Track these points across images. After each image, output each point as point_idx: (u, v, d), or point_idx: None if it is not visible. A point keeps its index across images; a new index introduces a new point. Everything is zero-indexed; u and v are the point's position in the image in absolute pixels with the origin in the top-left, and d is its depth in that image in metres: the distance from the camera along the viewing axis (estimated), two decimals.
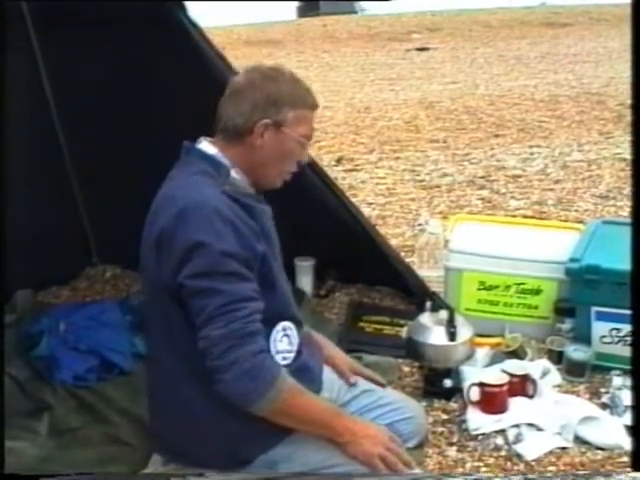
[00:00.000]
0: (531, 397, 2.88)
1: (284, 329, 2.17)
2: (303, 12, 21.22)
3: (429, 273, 3.79)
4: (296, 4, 21.78)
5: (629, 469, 2.52)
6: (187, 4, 2.85)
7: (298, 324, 2.25)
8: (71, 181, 4.12)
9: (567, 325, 3.21)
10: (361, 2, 20.97)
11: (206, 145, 2.13)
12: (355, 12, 20.51)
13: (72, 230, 4.20)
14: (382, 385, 2.58)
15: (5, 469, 2.08)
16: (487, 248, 3.43)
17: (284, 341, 2.16)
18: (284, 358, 2.14)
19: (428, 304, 2.99)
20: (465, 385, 2.92)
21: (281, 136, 2.09)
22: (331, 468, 2.13)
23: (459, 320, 2.88)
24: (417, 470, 2.28)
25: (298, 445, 2.15)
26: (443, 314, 2.89)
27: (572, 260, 3.15)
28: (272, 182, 2.18)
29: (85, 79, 3.44)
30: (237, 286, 1.92)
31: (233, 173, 2.09)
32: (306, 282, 3.81)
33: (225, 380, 1.91)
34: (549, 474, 2.56)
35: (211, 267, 1.90)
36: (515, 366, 2.97)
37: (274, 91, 2.08)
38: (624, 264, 3.02)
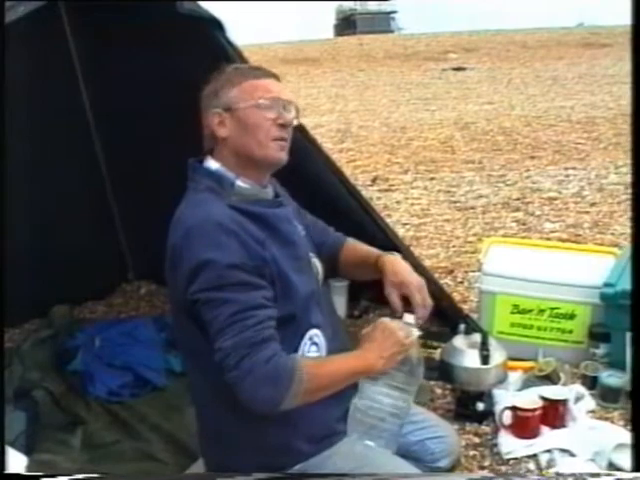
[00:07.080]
0: (564, 424, 2.86)
1: (311, 338, 2.17)
2: (340, 30, 21.32)
3: None
4: (333, 22, 21.88)
5: None
6: (224, 22, 2.87)
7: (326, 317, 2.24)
8: (108, 198, 4.17)
9: (601, 350, 3.18)
10: (398, 21, 21.00)
11: (210, 161, 2.14)
12: (392, 31, 20.58)
13: (108, 246, 4.25)
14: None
15: None
16: (521, 271, 3.41)
17: (312, 350, 2.17)
18: None
19: (462, 327, 2.99)
20: (497, 409, 2.91)
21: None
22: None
23: (492, 343, 2.87)
24: None
25: (327, 456, 2.14)
26: (476, 337, 2.88)
27: (607, 285, 3.13)
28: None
29: (122, 96, 3.50)
30: (246, 295, 1.93)
31: (239, 183, 2.10)
32: (340, 302, 3.80)
33: (245, 390, 1.92)
34: None
35: (218, 280, 1.92)
36: (552, 391, 2.95)
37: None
38: None
